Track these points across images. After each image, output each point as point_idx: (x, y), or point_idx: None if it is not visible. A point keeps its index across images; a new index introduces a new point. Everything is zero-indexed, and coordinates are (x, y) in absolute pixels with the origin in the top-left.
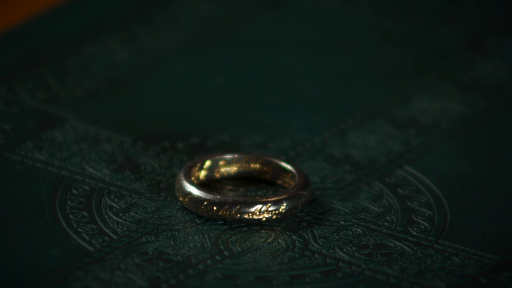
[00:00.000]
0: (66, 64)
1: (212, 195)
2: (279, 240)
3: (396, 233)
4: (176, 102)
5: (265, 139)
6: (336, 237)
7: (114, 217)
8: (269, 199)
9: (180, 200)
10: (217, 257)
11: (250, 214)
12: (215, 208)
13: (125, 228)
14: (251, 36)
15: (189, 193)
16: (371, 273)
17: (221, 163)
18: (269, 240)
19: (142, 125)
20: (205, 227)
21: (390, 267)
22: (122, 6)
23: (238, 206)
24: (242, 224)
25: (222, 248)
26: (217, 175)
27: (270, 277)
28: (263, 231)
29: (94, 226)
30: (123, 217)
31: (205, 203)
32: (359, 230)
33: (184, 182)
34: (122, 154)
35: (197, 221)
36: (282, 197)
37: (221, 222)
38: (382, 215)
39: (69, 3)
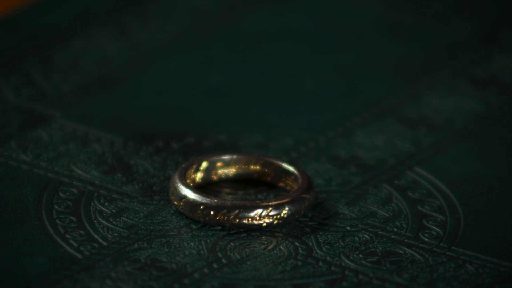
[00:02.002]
0: (53, 59)
1: (209, 199)
2: (281, 247)
3: (406, 240)
4: (171, 99)
5: (265, 139)
6: (342, 244)
7: (104, 222)
8: (270, 203)
9: (174, 204)
10: (215, 265)
11: (249, 219)
12: (212, 212)
13: (115, 234)
14: (251, 29)
15: (185, 197)
16: (379, 282)
17: (218, 164)
18: (270, 247)
19: (134, 124)
20: (202, 233)
21: (399, 276)
22: None
23: (237, 211)
24: (241, 230)
25: (220, 255)
26: (215, 178)
27: (271, 287)
28: (263, 237)
29: (82, 232)
30: (113, 222)
31: (201, 207)
32: (367, 236)
33: (179, 184)
34: (112, 155)
35: (193, 226)
36: (284, 201)
37: (219, 227)
38: (391, 220)
39: None
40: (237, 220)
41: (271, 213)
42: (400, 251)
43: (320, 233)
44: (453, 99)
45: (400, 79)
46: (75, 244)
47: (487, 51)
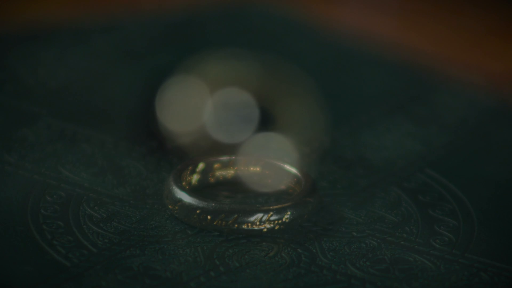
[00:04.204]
0: (39, 53)
1: (206, 203)
2: (283, 254)
3: (416, 246)
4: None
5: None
6: (348, 251)
7: (93, 227)
8: (271, 207)
9: (169, 208)
10: (212, 273)
11: (249, 224)
12: (209, 217)
13: (106, 240)
14: (253, 23)
15: (180, 200)
16: None
17: (216, 166)
18: (271, 254)
19: (126, 123)
20: (198, 239)
21: (409, 285)
22: None
23: (236, 215)
24: (240, 236)
25: (218, 263)
26: (212, 180)
27: None
28: (264, 243)
29: (71, 238)
30: (104, 228)
31: (197, 211)
32: (374, 242)
33: (173, 187)
34: (103, 156)
35: (189, 232)
36: (286, 204)
37: (216, 233)
38: (400, 225)
39: None
40: (236, 225)
41: (272, 218)
42: (410, 259)
43: (325, 239)
44: (467, 96)
45: (410, 75)
46: (63, 251)
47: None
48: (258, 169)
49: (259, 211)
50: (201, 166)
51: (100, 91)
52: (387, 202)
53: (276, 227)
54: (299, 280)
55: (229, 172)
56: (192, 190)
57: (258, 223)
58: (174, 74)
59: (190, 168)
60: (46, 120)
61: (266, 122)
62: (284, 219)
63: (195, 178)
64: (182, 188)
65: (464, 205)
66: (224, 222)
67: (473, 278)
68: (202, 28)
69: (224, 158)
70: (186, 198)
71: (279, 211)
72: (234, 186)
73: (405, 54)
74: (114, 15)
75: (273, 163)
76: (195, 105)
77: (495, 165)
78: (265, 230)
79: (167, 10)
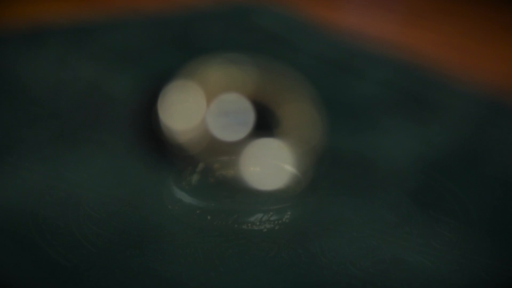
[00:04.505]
0: (40, 52)
1: (205, 203)
2: (283, 254)
3: (416, 246)
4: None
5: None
6: (348, 251)
7: (93, 227)
8: (271, 207)
9: (169, 208)
10: (212, 274)
11: (249, 224)
12: (209, 217)
13: (106, 241)
14: (253, 24)
15: (180, 200)
16: None
17: (216, 166)
18: (271, 254)
19: (126, 123)
20: (198, 239)
21: (409, 285)
22: None
23: (236, 215)
24: (240, 236)
25: (217, 263)
26: (212, 180)
27: None
28: (264, 243)
29: (70, 238)
30: (103, 228)
31: (197, 211)
32: (374, 242)
33: (173, 187)
34: (103, 156)
35: (189, 232)
36: (285, 204)
37: (216, 233)
38: (401, 226)
39: None
40: (236, 225)
41: (272, 218)
42: (410, 259)
43: (325, 239)
44: (466, 96)
45: (411, 75)
46: (62, 251)
47: None
48: (258, 169)
49: (259, 211)
50: (201, 166)
51: (100, 91)
52: (388, 202)
53: (276, 227)
54: (299, 280)
55: (229, 172)
56: (192, 190)
57: (258, 223)
58: (174, 76)
59: (190, 168)
60: (46, 120)
61: (267, 122)
62: (284, 219)
63: (195, 178)
64: (182, 188)
65: (464, 205)
66: (224, 222)
67: (473, 278)
68: (202, 29)
69: (224, 158)
70: (186, 198)
71: (279, 211)
72: (234, 186)
73: (406, 55)
74: (114, 15)
75: (273, 163)
76: (194, 106)
77: (495, 165)
78: (265, 230)
79: (167, 11)
